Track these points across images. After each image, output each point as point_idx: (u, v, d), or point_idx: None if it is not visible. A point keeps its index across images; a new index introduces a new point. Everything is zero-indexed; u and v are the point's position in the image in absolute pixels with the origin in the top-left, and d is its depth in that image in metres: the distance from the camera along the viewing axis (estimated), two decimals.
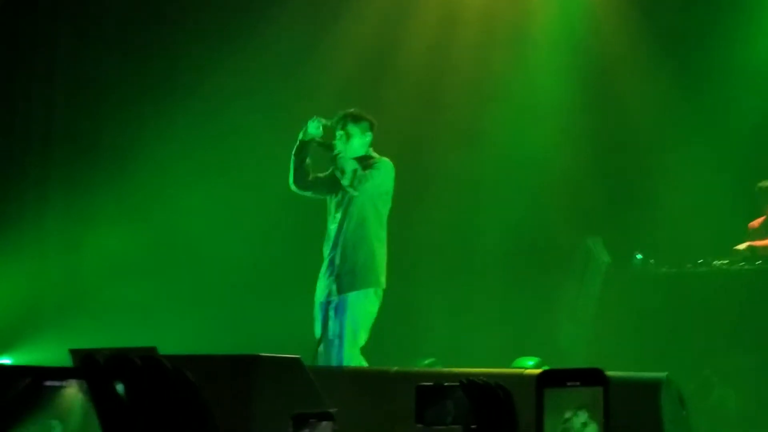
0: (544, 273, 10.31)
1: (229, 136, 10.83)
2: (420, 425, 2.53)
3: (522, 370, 6.27)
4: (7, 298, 10.22)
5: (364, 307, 7.60)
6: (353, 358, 7.47)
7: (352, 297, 7.58)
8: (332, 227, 7.76)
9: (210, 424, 1.30)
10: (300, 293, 8.16)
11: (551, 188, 10.60)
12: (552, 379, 1.87)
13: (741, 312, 8.87)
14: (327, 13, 11.05)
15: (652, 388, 5.27)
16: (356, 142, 7.73)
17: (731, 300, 9.03)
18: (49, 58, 11.14)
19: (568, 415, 1.84)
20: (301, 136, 7.77)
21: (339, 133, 7.73)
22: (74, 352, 6.58)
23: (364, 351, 7.60)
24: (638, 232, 10.21)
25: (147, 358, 1.31)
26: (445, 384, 2.53)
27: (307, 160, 7.82)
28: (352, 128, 7.73)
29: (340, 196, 7.74)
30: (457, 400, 2.50)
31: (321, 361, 7.50)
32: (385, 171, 7.69)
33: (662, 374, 5.40)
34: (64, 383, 1.38)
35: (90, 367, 1.29)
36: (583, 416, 1.84)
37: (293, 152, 7.81)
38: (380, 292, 7.70)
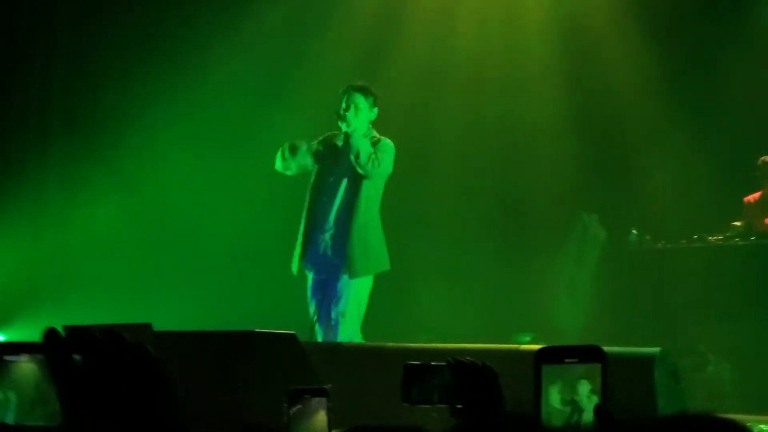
0: (540, 249, 10.32)
1: (224, 107, 10.81)
2: (407, 404, 2.54)
3: (518, 345, 6.28)
4: (2, 275, 10.22)
5: (368, 284, 7.58)
6: (355, 335, 7.45)
7: (357, 279, 7.55)
8: (329, 201, 7.60)
9: (171, 398, 1.30)
10: (278, 267, 8.11)
11: (546, 164, 10.60)
12: (550, 355, 1.87)
13: (736, 287, 8.87)
14: None
15: (646, 363, 5.28)
16: (363, 116, 7.57)
17: (726, 275, 9.04)
18: (48, 32, 11.11)
19: (572, 385, 1.84)
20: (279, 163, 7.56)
21: (346, 104, 7.51)
22: (68, 329, 6.61)
23: (362, 329, 7.58)
24: (634, 209, 10.21)
25: (107, 332, 1.30)
26: (432, 363, 2.53)
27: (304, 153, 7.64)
28: (361, 101, 7.54)
29: (339, 171, 7.59)
30: (443, 379, 2.50)
31: (322, 338, 7.46)
32: (391, 154, 7.56)
33: (656, 349, 5.41)
34: (22, 357, 1.37)
35: (50, 340, 1.28)
36: (587, 386, 1.85)
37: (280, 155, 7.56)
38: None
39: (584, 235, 10.10)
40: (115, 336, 1.29)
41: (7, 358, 1.35)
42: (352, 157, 7.43)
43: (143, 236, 10.65)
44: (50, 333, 1.28)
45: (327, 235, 7.61)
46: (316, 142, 7.71)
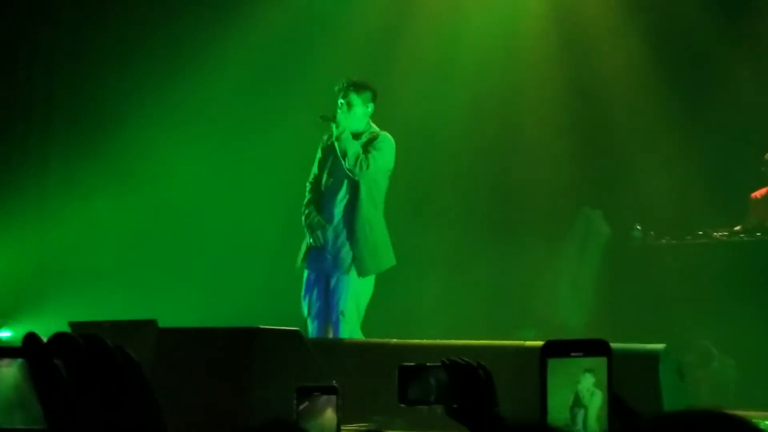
0: (543, 245, 10.31)
1: (227, 103, 10.81)
2: (403, 405, 2.55)
3: (522, 341, 6.29)
4: (8, 271, 10.23)
5: (367, 282, 7.56)
6: (354, 332, 7.43)
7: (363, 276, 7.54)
8: (330, 201, 7.61)
9: (150, 403, 1.31)
10: (292, 264, 8.12)
11: (550, 160, 10.58)
12: (556, 349, 1.87)
13: (740, 283, 8.87)
14: None
15: (651, 359, 5.29)
16: (358, 113, 7.56)
17: (730, 271, 9.03)
18: (50, 28, 11.11)
19: (575, 380, 1.84)
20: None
21: (340, 101, 7.55)
22: (74, 326, 6.61)
23: (362, 326, 7.58)
24: (638, 204, 10.20)
25: (89, 337, 1.31)
26: (427, 364, 2.55)
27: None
28: (354, 98, 7.55)
29: (337, 172, 7.58)
30: (439, 379, 2.52)
31: (320, 335, 7.45)
32: (387, 150, 7.52)
33: (661, 345, 5.42)
34: (2, 362, 1.37)
35: (31, 345, 1.29)
36: (590, 379, 1.85)
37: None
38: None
39: (588, 231, 10.09)
40: (96, 341, 1.30)
41: None
42: (340, 156, 7.46)
43: (148, 233, 10.65)
44: (30, 338, 1.30)
45: (330, 234, 7.58)
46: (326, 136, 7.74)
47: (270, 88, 10.64)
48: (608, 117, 10.67)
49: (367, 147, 7.48)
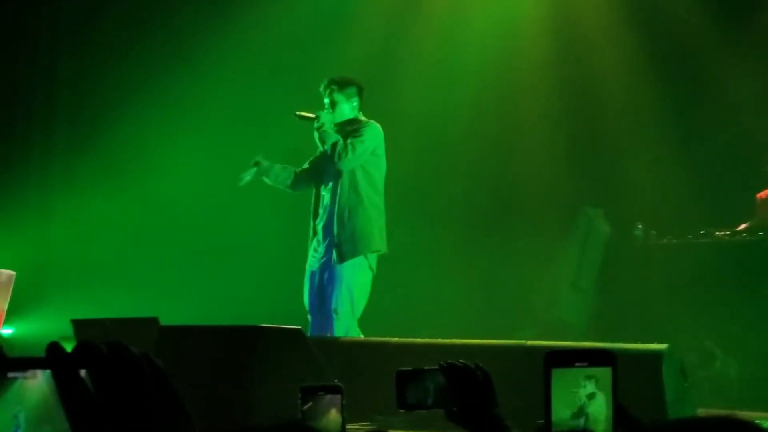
0: (544, 244, 10.29)
1: (230, 102, 10.81)
2: (402, 410, 2.55)
3: (523, 341, 6.27)
4: (9, 268, 10.20)
5: (359, 277, 7.54)
6: (350, 329, 7.43)
7: (348, 267, 7.49)
8: (324, 194, 7.68)
9: (180, 411, 1.28)
10: (292, 260, 8.12)
11: (551, 158, 10.57)
12: (560, 359, 1.87)
13: (742, 283, 8.86)
14: None
15: (653, 360, 5.28)
16: (343, 109, 7.66)
17: (733, 271, 9.02)
18: (52, 25, 11.11)
19: (577, 388, 1.84)
20: (240, 183, 7.89)
21: (325, 101, 7.67)
22: (76, 323, 6.60)
23: (360, 323, 7.57)
24: (639, 203, 10.18)
25: (114, 345, 1.28)
26: (425, 368, 2.54)
27: (279, 173, 7.83)
28: (338, 96, 7.65)
29: (327, 167, 7.66)
30: (436, 383, 2.51)
31: (314, 333, 7.45)
32: (369, 136, 7.57)
33: (663, 346, 5.40)
34: (27, 374, 1.34)
35: (55, 356, 1.27)
36: (590, 387, 1.84)
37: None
38: (374, 263, 7.64)
39: (589, 230, 10.07)
40: (121, 349, 1.27)
41: (12, 374, 1.32)
42: (321, 148, 7.60)
43: (150, 230, 10.65)
44: (53, 348, 1.27)
45: (319, 229, 7.67)
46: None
47: (272, 83, 10.64)
48: (609, 116, 10.66)
49: (348, 135, 7.54)
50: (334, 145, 7.47)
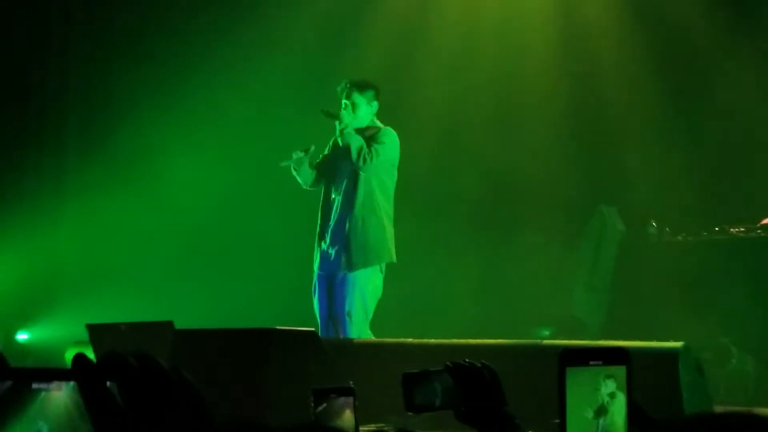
0: (558, 242, 10.27)
1: (245, 105, 10.80)
2: (410, 413, 2.54)
3: (540, 340, 6.26)
4: (24, 274, 10.25)
5: (372, 281, 7.52)
6: (363, 332, 7.41)
7: (362, 272, 7.49)
8: (335, 197, 7.64)
9: (209, 423, 1.26)
10: (305, 262, 8.11)
11: (565, 157, 10.54)
12: (574, 358, 1.86)
13: (757, 279, 8.82)
14: None
15: (669, 358, 5.26)
16: (362, 112, 7.61)
17: (748, 267, 8.98)
18: (63, 31, 11.14)
19: (596, 387, 1.83)
20: (283, 162, 7.74)
21: (344, 102, 7.60)
22: (91, 327, 6.61)
23: (371, 324, 7.55)
24: (653, 201, 10.14)
25: (142, 357, 1.26)
26: (431, 369, 2.53)
27: (307, 170, 7.73)
28: (358, 98, 7.60)
29: (342, 168, 7.61)
30: (444, 384, 2.50)
31: (328, 336, 7.43)
32: (390, 144, 7.55)
33: (679, 343, 5.39)
34: (52, 385, 1.31)
35: (82, 368, 1.24)
36: (611, 386, 1.83)
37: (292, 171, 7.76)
38: (384, 267, 7.63)
39: (603, 228, 10.04)
40: (151, 361, 1.26)
41: (37, 386, 1.30)
42: (344, 149, 7.49)
43: (163, 235, 10.66)
44: (80, 359, 1.25)
45: (330, 232, 7.61)
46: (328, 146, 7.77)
47: (282, 86, 10.63)
48: (622, 112, 10.63)
49: (370, 141, 7.50)
50: (359, 149, 7.42)
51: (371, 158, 7.41)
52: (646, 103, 10.56)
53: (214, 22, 11.10)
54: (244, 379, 5.40)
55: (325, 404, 2.23)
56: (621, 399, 1.82)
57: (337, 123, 7.55)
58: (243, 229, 10.68)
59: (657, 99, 10.50)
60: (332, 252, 7.56)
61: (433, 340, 6.52)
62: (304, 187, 7.82)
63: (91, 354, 6.84)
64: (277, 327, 5.63)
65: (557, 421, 1.87)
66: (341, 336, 7.36)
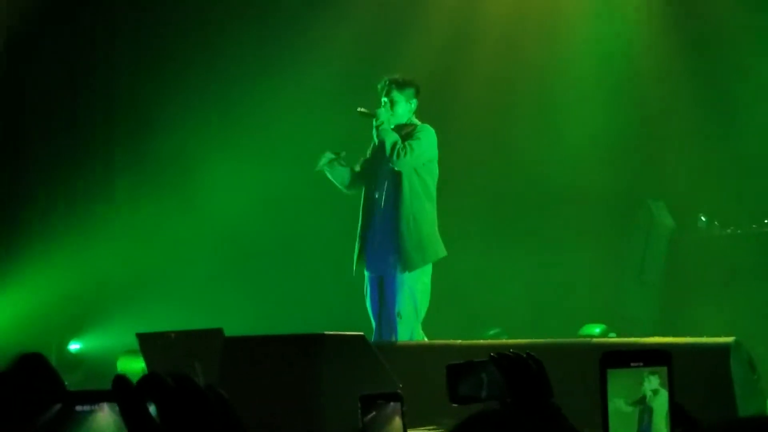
0: (607, 238, 10.22)
1: (285, 115, 10.85)
2: (455, 404, 2.51)
3: (589, 338, 6.24)
4: (75, 285, 10.35)
5: (421, 280, 7.49)
6: (415, 333, 7.40)
7: (414, 271, 7.49)
8: (378, 198, 7.60)
9: None
10: (341, 267, 8.12)
11: (614, 153, 10.48)
12: (615, 360, 1.85)
13: None
14: None
15: (721, 353, 5.22)
16: (401, 110, 7.60)
17: None
18: (108, 45, 11.25)
19: (638, 384, 1.82)
20: (317, 167, 7.71)
21: (383, 99, 7.60)
22: (141, 336, 6.66)
23: (423, 326, 7.55)
24: (701, 194, 10.07)
25: (179, 377, 1.28)
26: (475, 360, 2.51)
27: (344, 167, 7.72)
28: (397, 95, 7.60)
29: (383, 168, 7.58)
30: (489, 375, 2.48)
31: (379, 338, 7.43)
32: (425, 140, 7.51)
33: (730, 339, 5.35)
34: (95, 407, 1.34)
35: (121, 389, 1.27)
36: (654, 382, 1.83)
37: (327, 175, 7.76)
38: (431, 266, 7.62)
39: (651, 223, 9.98)
40: (187, 381, 1.28)
41: (79, 408, 1.34)
42: (380, 146, 7.51)
43: (209, 242, 10.74)
44: (119, 380, 1.27)
45: (378, 233, 7.59)
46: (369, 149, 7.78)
47: (323, 89, 10.66)
48: (668, 106, 10.56)
49: (405, 137, 7.49)
50: (393, 145, 7.41)
51: (405, 154, 7.38)
52: (689, 95, 10.48)
53: (248, 29, 11.15)
54: (295, 386, 5.42)
55: (373, 411, 2.22)
56: (664, 396, 1.82)
57: (374, 121, 7.56)
58: (286, 234, 10.71)
59: (698, 91, 10.42)
60: (382, 253, 7.54)
61: (482, 341, 6.52)
62: (342, 189, 7.81)
63: (142, 362, 6.90)
64: (327, 332, 5.64)
65: None
66: (393, 337, 7.36)
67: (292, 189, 10.62)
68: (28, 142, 10.87)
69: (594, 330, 9.15)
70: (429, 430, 5.10)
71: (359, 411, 2.19)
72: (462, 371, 2.49)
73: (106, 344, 10.19)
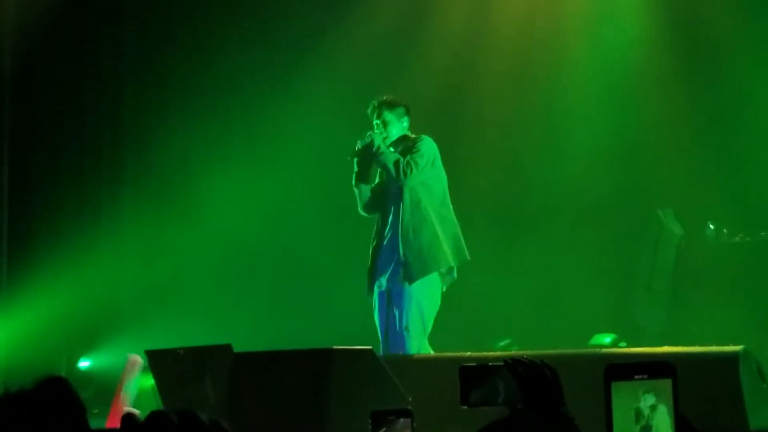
0: (615, 247, 10.21)
1: (297, 133, 10.86)
2: (465, 407, 2.50)
3: (599, 348, 6.23)
4: (84, 302, 10.36)
5: (429, 293, 7.46)
6: (422, 347, 7.38)
7: (418, 284, 7.47)
8: (388, 215, 7.60)
9: None
10: (350, 282, 8.11)
11: (622, 161, 10.48)
12: (620, 372, 1.85)
13: None
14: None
15: (730, 362, 5.21)
16: (394, 129, 7.59)
17: None
18: (114, 64, 11.29)
19: (636, 401, 1.83)
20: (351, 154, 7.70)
21: (375, 122, 7.60)
22: (150, 353, 6.66)
23: (430, 339, 7.53)
24: (709, 202, 10.05)
25: (184, 415, 1.30)
26: (489, 364, 2.48)
27: (368, 185, 7.72)
28: (388, 115, 7.58)
29: (390, 190, 7.60)
30: (502, 380, 2.45)
31: (387, 351, 7.40)
32: (425, 148, 7.49)
33: (739, 347, 5.34)
34: None
35: (129, 427, 1.29)
36: (650, 399, 1.83)
37: (353, 183, 7.72)
38: (446, 275, 7.59)
39: (660, 231, 9.97)
40: (191, 418, 1.29)
41: None
42: (383, 170, 7.53)
43: (219, 258, 10.75)
44: (127, 419, 1.29)
45: (384, 248, 7.59)
46: None
47: (333, 105, 10.67)
48: (675, 114, 10.54)
49: (405, 153, 7.50)
50: (396, 164, 7.42)
51: (410, 170, 7.40)
52: (696, 103, 10.47)
53: (252, 44, 11.16)
54: (305, 401, 5.42)
55: (383, 427, 2.22)
56: (663, 411, 1.82)
57: (371, 148, 7.55)
58: (293, 248, 10.70)
59: (706, 99, 10.42)
60: (387, 267, 7.54)
61: (491, 353, 6.51)
62: (360, 209, 7.80)
63: (152, 380, 6.90)
64: (335, 347, 5.64)
65: None
66: (401, 351, 7.34)
67: (299, 203, 10.64)
68: (36, 160, 10.90)
69: (604, 339, 9.14)
70: None
71: (369, 427, 2.19)
72: (475, 374, 2.48)
73: (116, 361, 10.19)
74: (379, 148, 7.51)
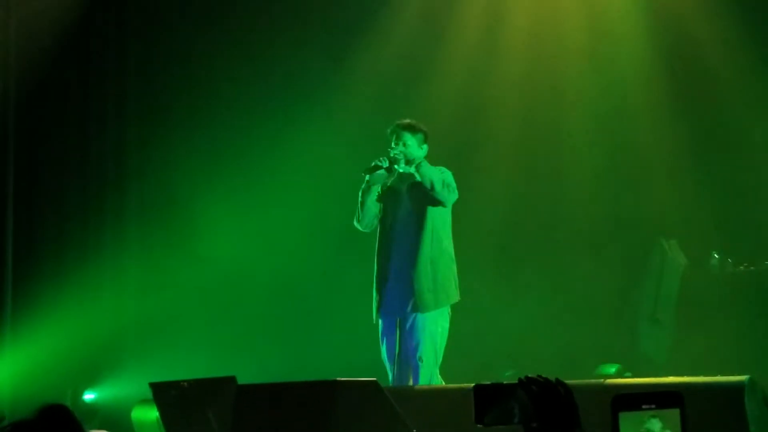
0: (620, 277, 10.20)
1: (307, 158, 10.87)
2: (480, 426, 2.49)
3: (602, 380, 6.21)
4: (89, 335, 10.36)
5: (441, 324, 7.44)
6: (434, 377, 7.34)
7: (431, 315, 7.43)
8: (395, 237, 7.54)
9: None
10: (353, 312, 8.09)
11: (627, 192, 10.48)
12: (627, 402, 1.85)
13: None
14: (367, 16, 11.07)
15: (735, 392, 5.20)
16: (414, 152, 7.52)
17: None
18: (117, 99, 11.32)
19: (642, 426, 1.83)
20: (367, 177, 7.60)
21: (394, 143, 7.53)
22: (154, 386, 6.66)
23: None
24: (713, 232, 10.05)
25: None
26: (504, 383, 2.48)
27: (375, 200, 7.66)
28: (409, 137, 7.51)
29: (400, 211, 7.57)
30: (516, 399, 2.44)
31: (397, 382, 7.37)
32: (453, 181, 7.48)
33: (745, 377, 5.33)
34: None
35: None
36: (657, 424, 1.83)
37: (360, 191, 7.65)
38: (450, 308, 7.57)
39: (664, 261, 9.97)
40: None
41: None
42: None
43: (223, 293, 10.75)
44: None
45: (396, 277, 7.52)
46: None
47: (331, 140, 10.70)
48: (681, 146, 10.54)
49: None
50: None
51: (449, 191, 7.38)
52: (701, 134, 10.47)
53: (254, 77, 11.19)
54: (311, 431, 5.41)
55: None
56: None
57: (395, 167, 7.48)
58: (296, 280, 10.68)
59: (710, 130, 10.42)
60: (399, 297, 7.48)
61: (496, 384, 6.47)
62: (357, 222, 7.71)
63: (156, 412, 6.89)
64: (339, 379, 5.63)
65: None
66: (413, 381, 7.30)
67: (301, 238, 10.64)
68: (40, 194, 10.91)
69: (610, 370, 9.11)
70: None
71: None
72: (489, 393, 2.47)
73: (120, 393, 10.19)
74: (415, 160, 7.44)
